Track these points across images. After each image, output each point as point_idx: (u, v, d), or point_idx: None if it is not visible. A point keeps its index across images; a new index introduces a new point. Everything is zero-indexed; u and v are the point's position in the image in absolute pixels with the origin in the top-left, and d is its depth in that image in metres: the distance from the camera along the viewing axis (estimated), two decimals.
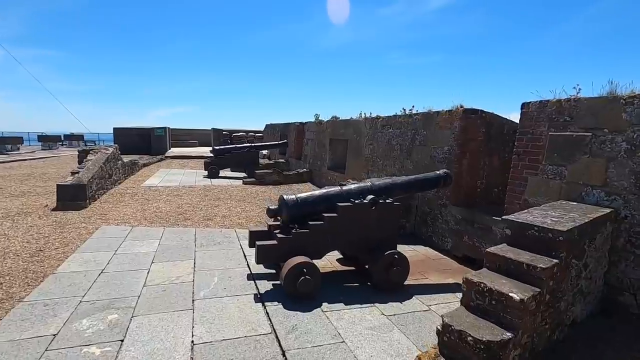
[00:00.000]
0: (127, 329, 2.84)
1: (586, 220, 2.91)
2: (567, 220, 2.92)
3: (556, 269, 2.60)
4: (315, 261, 3.65)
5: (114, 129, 20.03)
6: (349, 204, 3.92)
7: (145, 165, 14.04)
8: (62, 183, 6.99)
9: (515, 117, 5.69)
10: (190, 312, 3.14)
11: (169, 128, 21.18)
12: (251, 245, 4.10)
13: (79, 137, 25.26)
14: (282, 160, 14.46)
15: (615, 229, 3.36)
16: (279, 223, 4.07)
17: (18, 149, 20.56)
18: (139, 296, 3.40)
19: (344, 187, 4.13)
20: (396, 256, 3.83)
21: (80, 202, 6.81)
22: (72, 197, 6.79)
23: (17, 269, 3.94)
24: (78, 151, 10.71)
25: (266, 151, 17.20)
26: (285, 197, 3.87)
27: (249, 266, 4.30)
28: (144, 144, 19.49)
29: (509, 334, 2.30)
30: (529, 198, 4.20)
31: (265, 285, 3.79)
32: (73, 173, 7.71)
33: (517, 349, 2.36)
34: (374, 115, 8.29)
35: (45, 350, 2.55)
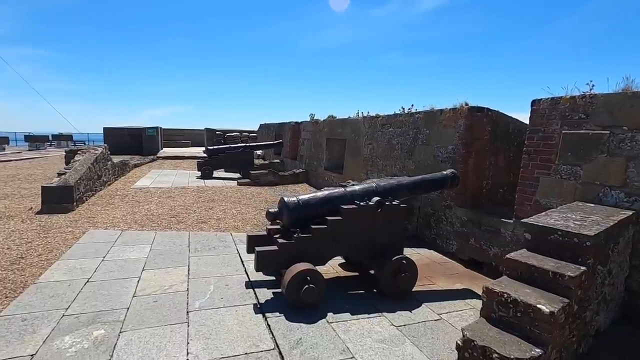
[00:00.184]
0: (114, 347, 2.57)
1: (611, 224, 2.73)
2: (590, 223, 2.73)
3: (584, 277, 2.40)
4: (318, 267, 3.42)
5: (104, 128, 19.56)
6: (353, 206, 3.69)
7: (136, 165, 13.66)
8: (47, 185, 6.65)
9: (514, 116, 5.56)
10: (185, 326, 2.88)
11: (161, 128, 20.75)
12: (249, 250, 3.84)
13: (68, 137, 24.65)
14: (277, 161, 14.19)
15: (637, 232, 3.19)
16: (278, 227, 3.83)
17: (4, 149, 19.96)
18: (128, 308, 3.13)
19: (348, 189, 3.90)
20: (404, 262, 3.61)
21: (67, 205, 6.48)
22: (58, 200, 6.45)
23: None
24: (65, 151, 10.32)
25: (260, 151, 16.92)
26: (285, 199, 3.63)
27: (247, 273, 4.05)
28: (135, 144, 19.05)
29: (538, 350, 2.09)
30: (540, 199, 4.02)
31: (265, 294, 3.54)
32: (59, 174, 7.36)
33: None
34: (372, 114, 8.08)
35: None
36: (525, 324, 2.23)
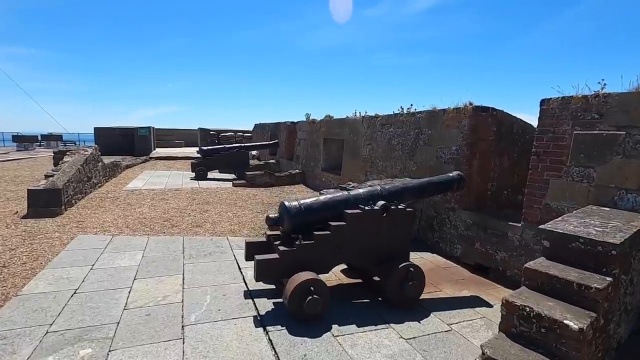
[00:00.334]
0: None
1: (634, 230, 2.58)
2: (612, 230, 2.58)
3: (610, 288, 2.24)
4: (320, 276, 3.23)
5: (95, 128, 19.15)
6: (358, 211, 3.51)
7: (128, 166, 13.33)
8: (34, 187, 6.36)
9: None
10: (180, 343, 2.67)
11: (153, 128, 20.38)
12: (248, 258, 3.63)
13: (58, 137, 24.11)
14: (273, 161, 13.97)
15: None
16: (278, 232, 3.63)
17: None
18: (118, 323, 2.90)
19: (352, 192, 3.72)
20: (411, 269, 3.44)
21: (55, 209, 6.20)
22: (45, 203, 6.17)
23: None
24: (54, 152, 9.98)
25: (255, 152, 16.66)
26: (286, 203, 3.43)
27: (245, 281, 3.84)
28: (127, 145, 18.67)
29: None
30: (551, 202, 3.88)
31: (265, 305, 3.34)
32: (47, 176, 7.07)
33: None
34: (371, 114, 7.91)
35: None
36: (551, 341, 2.06)
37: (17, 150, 20.76)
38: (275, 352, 2.63)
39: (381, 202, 3.57)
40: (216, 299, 3.41)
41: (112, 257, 4.38)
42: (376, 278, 3.97)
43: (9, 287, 3.47)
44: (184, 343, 2.67)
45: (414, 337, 2.96)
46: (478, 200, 5.10)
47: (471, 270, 4.73)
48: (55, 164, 8.86)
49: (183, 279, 3.84)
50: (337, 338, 2.86)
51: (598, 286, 2.15)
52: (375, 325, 3.10)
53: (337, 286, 3.90)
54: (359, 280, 4.06)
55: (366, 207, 3.53)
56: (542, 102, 4.04)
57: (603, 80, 3.75)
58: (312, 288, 2.98)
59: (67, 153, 8.33)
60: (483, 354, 2.14)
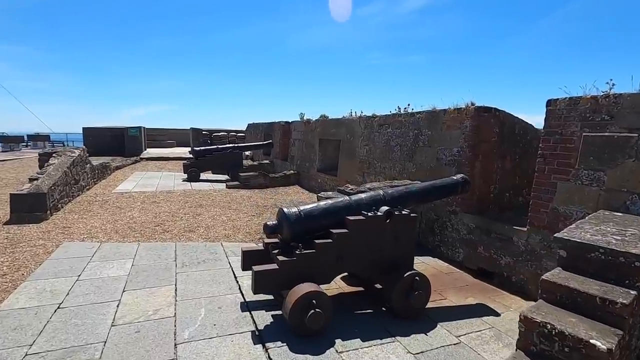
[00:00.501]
0: None
1: None
2: (632, 238, 2.45)
3: (635, 302, 2.10)
4: (322, 286, 3.06)
5: (84, 128, 18.65)
6: (360, 217, 3.34)
7: (118, 168, 12.99)
8: (17, 192, 6.06)
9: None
10: None
11: (144, 128, 19.97)
12: (245, 267, 3.44)
13: (45, 138, 23.50)
14: (267, 162, 13.74)
15: None
16: (276, 240, 3.44)
17: None
18: (105, 342, 2.69)
19: (353, 197, 3.54)
20: (417, 278, 3.27)
21: (39, 214, 5.91)
22: (29, 208, 5.88)
23: None
24: (39, 154, 9.63)
25: (249, 152, 16.41)
26: (285, 210, 3.25)
27: (241, 292, 3.64)
28: (117, 145, 18.24)
29: None
30: (558, 206, 3.76)
31: (263, 318, 3.15)
32: (32, 179, 6.77)
33: None
34: (368, 113, 7.76)
35: None
36: None
37: (2, 151, 20.17)
38: None
39: (385, 208, 3.41)
40: (211, 312, 3.20)
41: (100, 266, 4.14)
42: (378, 286, 3.82)
43: None
44: None
45: (421, 352, 2.80)
46: (480, 203, 4.97)
47: (474, 275, 4.60)
48: (41, 166, 8.53)
49: (175, 289, 3.63)
50: (342, 354, 2.69)
51: (624, 301, 2.01)
52: (381, 339, 2.93)
53: (338, 295, 3.72)
54: (361, 289, 3.89)
55: (369, 213, 3.36)
56: (549, 102, 3.91)
57: (611, 80, 3.64)
58: (314, 301, 2.80)
59: (54, 155, 8.02)
60: None
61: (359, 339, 2.91)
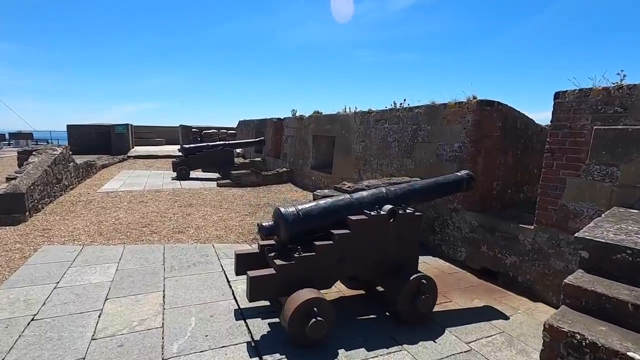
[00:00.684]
0: None
1: None
2: None
3: None
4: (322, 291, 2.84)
5: (68, 126, 18.09)
6: (363, 216, 3.12)
7: (104, 166, 12.55)
8: None
9: None
10: None
11: (131, 125, 19.45)
12: (239, 272, 3.20)
13: (28, 136, 22.73)
14: (259, 159, 13.44)
15: None
16: (272, 242, 3.20)
17: None
18: (84, 358, 2.42)
19: (355, 196, 3.32)
20: (423, 281, 3.07)
21: (17, 216, 5.55)
22: (6, 210, 5.52)
23: None
24: (18, 152, 9.17)
25: (240, 149, 16.07)
26: (282, 210, 3.00)
27: (235, 297, 3.40)
28: (103, 143, 17.75)
29: None
30: (567, 203, 3.59)
31: (259, 327, 2.91)
32: (9, 179, 6.38)
33: None
34: (364, 109, 7.54)
35: None
36: None
37: None
38: None
39: (388, 206, 3.19)
40: (202, 321, 2.95)
41: (81, 271, 3.84)
42: (380, 288, 3.62)
43: None
44: None
45: None
46: (482, 200, 4.80)
47: (478, 275, 4.43)
48: (20, 165, 8.11)
49: (163, 296, 3.36)
50: None
51: None
52: (387, 348, 2.72)
53: (338, 299, 3.51)
54: (362, 292, 3.68)
55: (372, 213, 3.14)
56: (557, 95, 3.74)
57: (622, 71, 3.47)
58: (315, 309, 2.58)
59: (34, 153, 7.61)
60: None
61: (363, 349, 2.69)
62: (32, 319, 2.88)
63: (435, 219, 5.26)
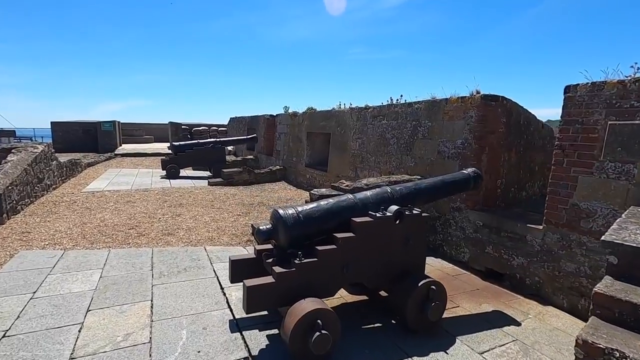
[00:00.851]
0: None
1: None
2: None
3: None
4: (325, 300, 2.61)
5: (52, 123, 17.48)
6: (368, 219, 2.90)
7: (89, 165, 12.10)
8: None
9: None
10: None
11: (118, 122, 18.90)
12: (234, 279, 2.96)
13: (10, 133, 21.91)
14: (251, 157, 13.15)
15: None
16: (270, 246, 2.96)
17: None
18: None
19: (358, 196, 3.10)
20: (433, 287, 2.87)
21: None
22: None
23: None
24: None
25: (231, 147, 15.72)
26: (281, 211, 2.77)
27: (229, 306, 3.15)
28: (89, 140, 17.22)
29: None
30: (579, 202, 3.43)
31: (257, 340, 2.67)
32: None
33: None
34: (361, 105, 7.32)
35: None
36: None
37: None
38: None
39: (394, 207, 2.98)
40: (195, 334, 2.70)
41: (61, 279, 3.54)
42: (383, 293, 3.41)
43: None
44: None
45: None
46: (486, 198, 4.63)
47: (482, 277, 4.26)
48: None
49: (151, 306, 3.10)
50: None
51: None
52: None
53: (340, 306, 3.29)
54: (364, 297, 3.47)
55: (377, 214, 2.92)
56: (567, 88, 3.57)
57: (637, 63, 3.32)
58: (319, 321, 2.35)
59: (13, 151, 7.20)
60: None
61: None
62: (4, 336, 2.59)
63: (437, 219, 5.07)
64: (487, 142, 4.54)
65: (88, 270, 3.78)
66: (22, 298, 3.15)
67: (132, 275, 3.72)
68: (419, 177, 5.35)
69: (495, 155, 4.58)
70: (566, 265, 3.52)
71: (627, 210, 2.87)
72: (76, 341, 2.55)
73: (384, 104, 6.50)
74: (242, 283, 2.56)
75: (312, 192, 5.12)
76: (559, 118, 3.73)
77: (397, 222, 2.98)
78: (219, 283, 3.60)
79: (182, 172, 10.86)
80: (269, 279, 2.56)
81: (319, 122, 8.94)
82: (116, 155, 15.65)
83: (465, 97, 4.78)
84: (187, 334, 2.69)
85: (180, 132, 18.25)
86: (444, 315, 3.13)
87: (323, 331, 2.33)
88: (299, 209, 2.83)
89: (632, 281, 2.04)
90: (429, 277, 2.97)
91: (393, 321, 3.07)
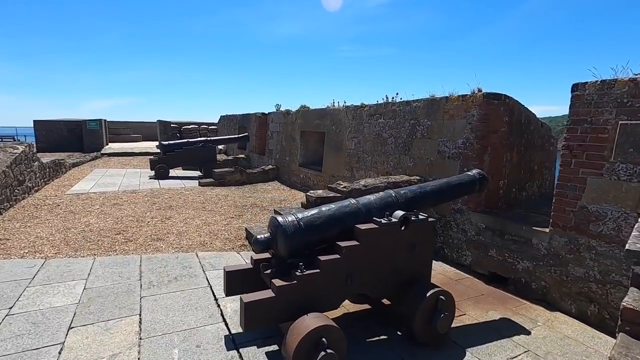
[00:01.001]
0: None
1: None
2: None
3: None
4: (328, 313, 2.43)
5: (35, 121, 16.88)
6: (373, 225, 2.72)
7: (74, 165, 11.68)
8: None
9: None
10: None
11: (105, 120, 18.38)
12: (229, 292, 2.76)
13: None
14: (243, 156, 12.87)
15: None
16: (268, 256, 2.77)
17: None
18: None
19: (362, 201, 2.91)
20: (442, 297, 2.71)
21: None
22: None
23: None
24: None
25: (222, 146, 15.40)
26: (280, 219, 2.57)
27: (224, 319, 2.95)
28: (74, 139, 16.69)
29: None
30: (588, 205, 3.31)
31: (256, 357, 2.48)
32: None
33: None
34: (354, 103, 7.15)
35: None
36: None
37: None
38: None
39: (400, 213, 2.81)
40: (187, 353, 2.49)
41: (41, 292, 3.29)
42: (385, 300, 3.24)
43: None
44: None
45: None
46: (488, 200, 4.51)
47: (485, 281, 4.14)
48: None
49: (140, 321, 2.87)
50: None
51: None
52: None
53: (342, 317, 3.11)
54: (367, 306, 3.30)
55: (382, 220, 2.75)
56: (575, 87, 3.44)
57: None
58: (324, 339, 2.17)
59: None
60: None
61: None
62: None
63: (437, 221, 4.93)
64: (490, 142, 4.41)
65: (71, 281, 3.52)
66: None
67: (118, 286, 3.48)
68: (419, 177, 5.22)
69: (497, 155, 4.45)
70: (574, 270, 3.41)
71: None
72: None
73: (380, 102, 6.33)
74: (238, 297, 2.37)
75: (308, 194, 4.93)
76: (558, 114, 3.61)
77: (403, 228, 2.82)
78: (213, 293, 3.39)
79: (172, 173, 10.55)
80: (268, 294, 2.36)
81: (313, 121, 8.74)
82: (103, 154, 15.19)
83: (466, 95, 4.64)
84: (180, 353, 2.48)
85: (169, 131, 17.84)
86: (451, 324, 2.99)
87: (328, 350, 2.15)
88: (299, 215, 2.64)
89: None
90: (437, 286, 2.81)
91: (399, 332, 2.91)
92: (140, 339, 2.64)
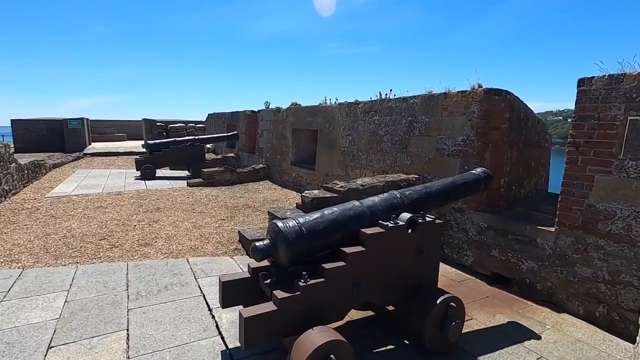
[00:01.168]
0: None
1: None
2: None
3: None
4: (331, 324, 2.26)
5: (12, 121, 16.17)
6: (379, 229, 2.55)
7: (56, 166, 11.18)
8: None
9: None
10: None
11: (87, 119, 17.76)
12: (225, 304, 2.56)
13: None
14: (232, 155, 12.56)
15: None
16: (267, 264, 2.57)
17: None
18: None
19: (366, 203, 2.74)
20: (452, 304, 2.57)
21: None
22: None
23: None
24: None
25: (210, 145, 15.05)
26: (280, 224, 2.37)
27: (220, 332, 2.74)
28: (55, 139, 16.06)
29: None
30: (596, 204, 3.22)
31: None
32: None
33: None
34: (348, 100, 6.97)
35: None
36: None
37: None
38: None
39: (406, 215, 2.65)
40: None
41: (18, 307, 3.01)
42: (390, 307, 3.08)
43: None
44: None
45: None
46: (489, 198, 4.40)
47: (489, 282, 4.03)
48: None
49: (127, 337, 2.64)
50: None
51: None
52: None
53: (346, 325, 2.94)
54: (370, 312, 3.14)
55: (388, 223, 2.58)
56: (581, 82, 3.34)
57: None
58: (332, 356, 1.99)
59: None
60: None
61: None
62: None
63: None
64: (491, 139, 4.29)
65: (51, 294, 3.25)
66: None
67: (103, 297, 3.23)
68: (417, 176, 5.09)
69: (498, 152, 4.34)
70: (582, 270, 3.32)
71: None
72: None
73: (375, 99, 6.17)
74: (237, 310, 2.17)
75: (303, 194, 4.74)
76: (562, 109, 3.51)
77: (410, 231, 2.66)
78: (206, 303, 3.17)
79: (159, 173, 10.19)
80: (269, 307, 2.17)
81: (304, 118, 8.53)
82: (85, 154, 14.65)
83: (466, 91, 4.51)
84: None
85: (156, 130, 17.36)
86: None
87: None
88: (301, 220, 2.45)
89: None
90: (446, 292, 2.67)
91: (406, 341, 2.75)
92: (128, 357, 2.41)
